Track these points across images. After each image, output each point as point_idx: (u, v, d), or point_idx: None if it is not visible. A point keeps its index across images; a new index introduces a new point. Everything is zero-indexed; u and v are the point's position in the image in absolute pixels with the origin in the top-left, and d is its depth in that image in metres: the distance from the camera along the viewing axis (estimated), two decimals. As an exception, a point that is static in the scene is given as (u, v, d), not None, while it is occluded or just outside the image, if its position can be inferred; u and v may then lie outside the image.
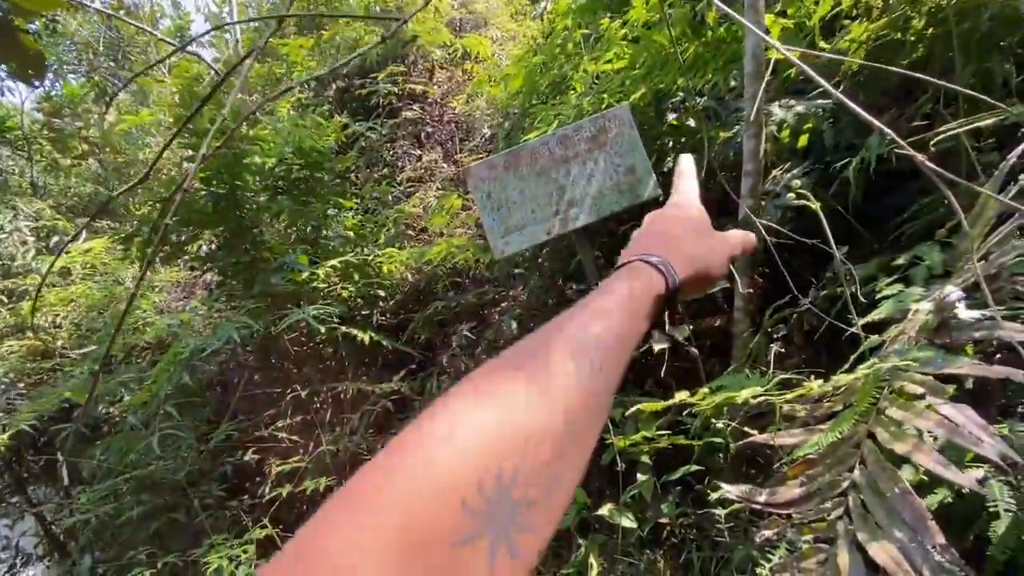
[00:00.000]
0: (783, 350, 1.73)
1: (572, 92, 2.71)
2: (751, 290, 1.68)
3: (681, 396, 1.23)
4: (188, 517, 2.35)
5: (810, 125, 1.77)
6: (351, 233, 3.26)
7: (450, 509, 0.25)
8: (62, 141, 5.48)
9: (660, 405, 1.32)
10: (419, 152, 4.48)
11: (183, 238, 2.97)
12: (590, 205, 2.10)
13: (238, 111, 2.83)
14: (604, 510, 1.64)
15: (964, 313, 0.83)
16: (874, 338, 0.97)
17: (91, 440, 3.45)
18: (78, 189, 5.66)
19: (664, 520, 1.71)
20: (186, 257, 3.19)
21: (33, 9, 1.28)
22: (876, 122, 0.78)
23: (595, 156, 2.12)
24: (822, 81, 0.87)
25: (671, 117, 2.33)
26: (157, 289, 4.27)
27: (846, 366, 0.97)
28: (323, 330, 2.41)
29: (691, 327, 1.85)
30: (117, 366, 3.34)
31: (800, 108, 1.75)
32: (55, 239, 4.86)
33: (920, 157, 0.65)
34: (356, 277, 2.90)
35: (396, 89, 4.54)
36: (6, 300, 4.19)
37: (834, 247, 1.07)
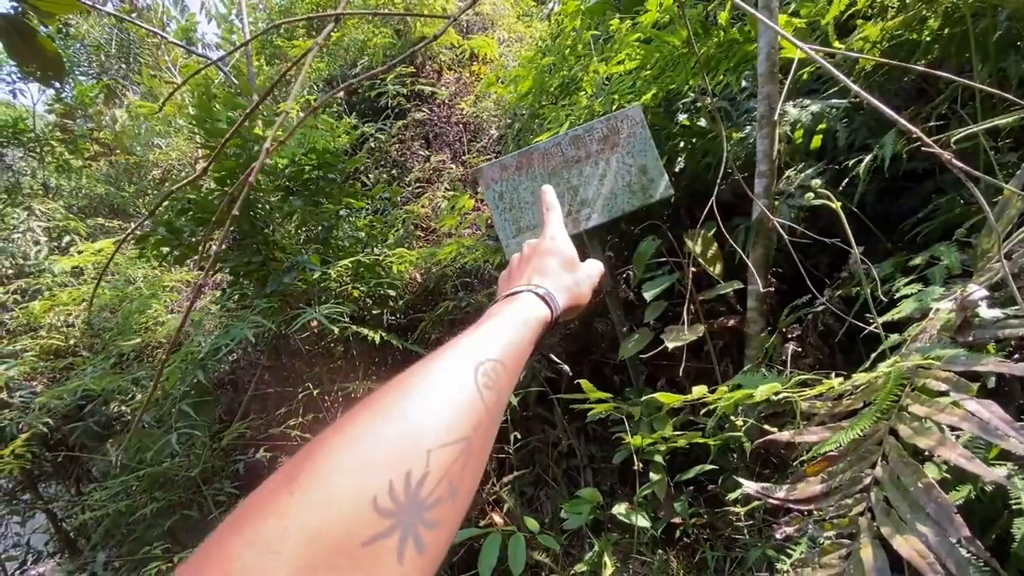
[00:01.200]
0: (799, 350, 1.74)
1: (582, 93, 2.72)
2: (770, 289, 1.68)
3: (700, 391, 1.23)
4: (201, 514, 2.38)
5: (824, 125, 1.77)
6: (362, 233, 3.28)
7: (361, 510, 0.26)
8: (74, 142, 5.53)
9: (680, 399, 1.32)
10: (427, 153, 4.50)
11: (195, 238, 3.00)
12: (602, 205, 2.10)
13: (257, 117, 2.86)
14: (618, 509, 1.65)
15: (987, 312, 0.83)
16: (895, 336, 0.97)
17: (103, 438, 3.48)
18: (89, 190, 5.71)
19: (677, 519, 1.71)
20: (196, 257, 3.22)
21: (51, 11, 1.30)
22: (900, 119, 0.78)
23: (607, 157, 2.12)
24: (844, 79, 0.87)
25: (682, 117, 2.34)
26: (168, 289, 4.31)
27: (866, 364, 0.97)
28: (336, 330, 2.42)
29: (705, 327, 1.85)
30: (130, 364, 3.37)
31: (815, 108, 1.75)
32: (67, 239, 4.90)
33: (947, 155, 0.66)
34: (367, 277, 2.91)
35: (404, 90, 4.57)
36: (20, 299, 4.23)
37: (854, 246, 1.07)
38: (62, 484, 4.25)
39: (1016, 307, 0.85)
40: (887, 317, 1.05)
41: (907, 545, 0.65)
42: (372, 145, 4.41)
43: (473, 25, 5.73)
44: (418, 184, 4.23)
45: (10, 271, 4.60)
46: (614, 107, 2.42)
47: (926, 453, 0.70)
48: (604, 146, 2.13)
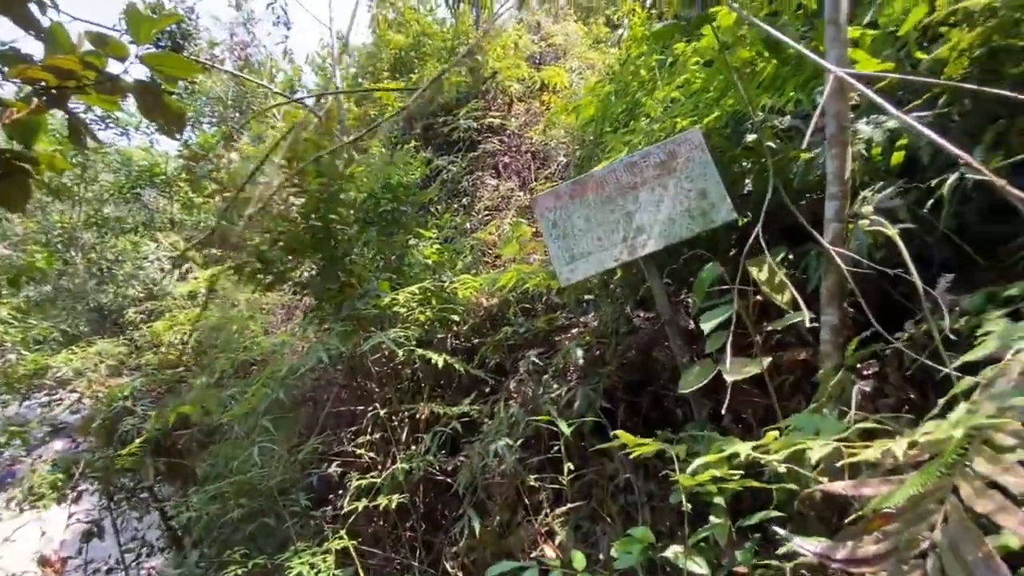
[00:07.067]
0: (878, 388, 1.56)
1: (644, 120, 2.70)
2: (839, 322, 1.54)
3: (744, 448, 1.15)
4: (278, 522, 2.56)
5: (904, 141, 1.62)
6: (430, 261, 3.44)
7: None
8: (196, 182, 6.35)
9: (723, 454, 1.25)
10: (496, 182, 4.64)
11: (287, 266, 3.32)
12: (659, 231, 2.06)
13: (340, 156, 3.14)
14: (671, 552, 1.56)
15: (1080, 355, 0.72)
16: (967, 380, 0.86)
17: (206, 444, 3.88)
18: (207, 223, 6.50)
19: (741, 568, 1.58)
20: (289, 282, 3.54)
21: (175, 75, 1.54)
22: (952, 147, 0.72)
23: (664, 182, 2.08)
24: (892, 109, 0.82)
25: (749, 138, 2.24)
26: (265, 311, 4.75)
27: (935, 411, 0.86)
28: (401, 353, 2.55)
29: (771, 360, 1.73)
30: (229, 379, 3.74)
31: (891, 124, 1.61)
32: (186, 266, 5.60)
33: (1000, 182, 0.59)
34: (433, 302, 3.04)
35: (476, 124, 4.78)
36: (146, 319, 4.87)
37: (916, 277, 0.97)
38: (173, 485, 4.77)
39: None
40: (966, 358, 0.93)
41: (963, 625, 0.57)
42: (445, 177, 4.64)
43: (546, 55, 5.90)
44: (487, 212, 4.37)
45: (141, 294, 5.33)
46: (676, 130, 2.37)
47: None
48: (661, 171, 2.09)
